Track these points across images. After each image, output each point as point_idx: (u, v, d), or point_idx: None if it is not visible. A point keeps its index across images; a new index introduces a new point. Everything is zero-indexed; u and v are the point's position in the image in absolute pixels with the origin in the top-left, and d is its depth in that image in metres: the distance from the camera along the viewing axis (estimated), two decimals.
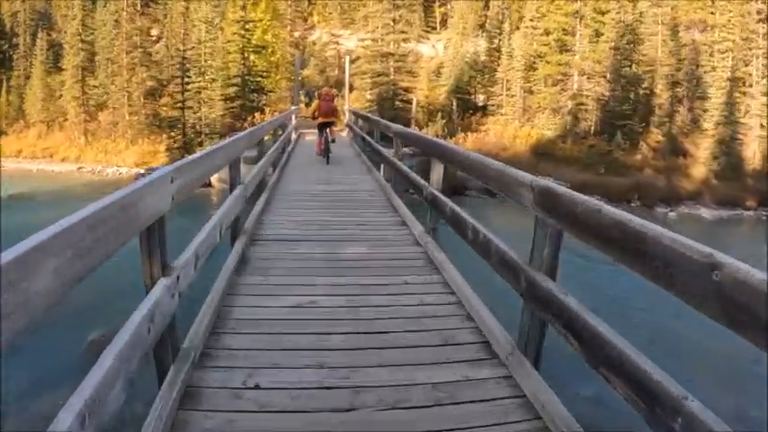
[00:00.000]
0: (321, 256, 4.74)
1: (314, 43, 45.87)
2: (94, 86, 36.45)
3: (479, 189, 21.93)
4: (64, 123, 37.20)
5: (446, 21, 47.87)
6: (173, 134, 26.03)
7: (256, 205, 6.37)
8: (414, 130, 17.61)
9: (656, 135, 32.27)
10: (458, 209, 4.15)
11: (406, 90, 28.80)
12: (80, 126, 36.15)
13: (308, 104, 30.15)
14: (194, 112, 25.47)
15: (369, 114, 13.97)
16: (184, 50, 26.26)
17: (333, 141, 12.04)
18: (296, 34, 43.73)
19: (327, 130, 11.89)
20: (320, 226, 5.88)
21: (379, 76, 28.63)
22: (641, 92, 32.66)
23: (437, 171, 4.99)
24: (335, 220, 6.22)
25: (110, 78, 34.97)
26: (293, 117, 18.15)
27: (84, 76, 36.43)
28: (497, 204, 21.28)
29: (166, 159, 24.36)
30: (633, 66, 32.58)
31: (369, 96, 29.62)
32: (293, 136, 17.84)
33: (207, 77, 25.94)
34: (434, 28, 47.33)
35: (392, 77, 28.16)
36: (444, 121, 27.99)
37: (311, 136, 18.58)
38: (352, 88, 28.89)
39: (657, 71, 33.47)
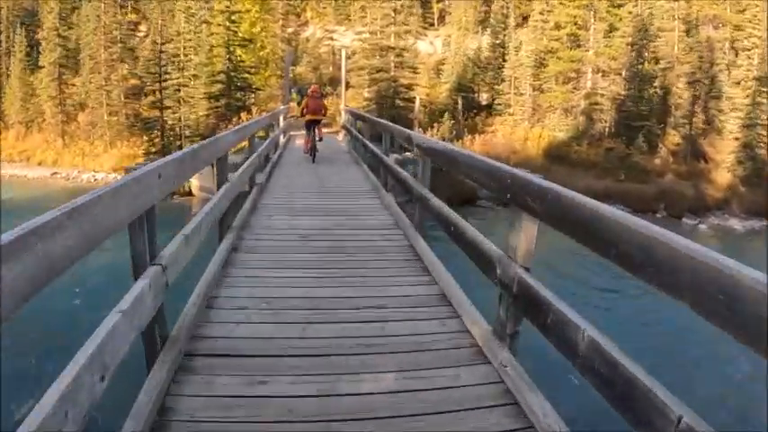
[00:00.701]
0: (310, 408, 2.43)
1: (307, 40, 43.88)
2: (73, 85, 34.09)
3: (492, 198, 19.66)
4: (43, 124, 34.93)
5: (444, 17, 46.11)
6: (151, 136, 23.41)
7: (206, 271, 3.91)
8: (419, 132, 15.19)
9: (672, 137, 30.15)
10: (611, 348, 1.86)
11: (408, 87, 26.14)
12: (57, 127, 33.78)
13: (299, 103, 27.99)
14: (173, 112, 22.88)
15: (372, 116, 11.36)
16: (162, 43, 23.53)
17: (320, 140, 12.15)
18: (289, 30, 41.48)
19: (315, 128, 11.87)
20: (309, 313, 3.46)
21: (379, 71, 25.90)
22: (656, 91, 30.48)
23: (527, 235, 2.67)
24: (335, 297, 3.77)
25: (89, 76, 32.60)
26: (281, 118, 15.82)
27: (62, 73, 34.06)
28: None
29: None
30: (648, 63, 30.41)
31: (367, 94, 27.03)
32: (281, 140, 15.52)
33: (186, 73, 23.25)
34: (432, 24, 45.30)
35: (392, 73, 25.48)
36: (453, 122, 25.54)
37: (302, 140, 16.45)
38: (348, 86, 26.33)
39: (674, 69, 31.34)
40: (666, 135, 29.96)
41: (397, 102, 25.27)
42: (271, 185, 8.47)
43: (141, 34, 37.52)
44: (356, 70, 27.50)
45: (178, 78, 22.73)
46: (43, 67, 34.42)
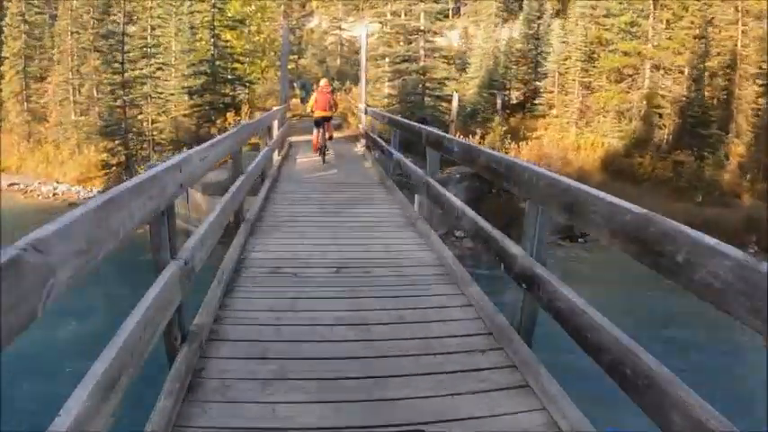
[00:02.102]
0: None
1: (312, 31, 39.73)
2: (42, 79, 29.55)
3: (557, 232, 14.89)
4: (11, 124, 30.44)
5: (459, 8, 42.12)
6: (111, 144, 18.43)
7: None
8: (458, 138, 10.28)
9: (736, 146, 25.41)
10: None
11: (441, 82, 20.94)
12: (22, 127, 29.24)
13: (303, 99, 23.37)
14: (140, 113, 17.91)
15: (480, 148, 4.41)
16: (126, 23, 18.44)
17: (330, 138, 11.88)
18: (293, 19, 37.10)
19: (325, 125, 11.41)
20: None
21: (404, 61, 20.73)
22: (719, 94, 25.79)
23: None
24: None
25: (56, 68, 28.07)
26: (275, 124, 11.12)
27: (27, 66, 29.49)
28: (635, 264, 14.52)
29: (101, 181, 17.11)
30: (709, 60, 25.67)
31: (388, 90, 21.83)
32: (276, 157, 10.78)
33: (155, 61, 18.19)
34: (447, 16, 40.76)
35: (422, 63, 20.27)
36: (505, 128, 20.58)
37: (303, 158, 12.01)
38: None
39: (738, 68, 26.61)
40: (730, 144, 25.35)
41: (427, 100, 20.02)
42: (238, 310, 3.40)
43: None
44: (374, 60, 22.07)
45: (142, 69, 17.75)
46: (7, 58, 29.96)
